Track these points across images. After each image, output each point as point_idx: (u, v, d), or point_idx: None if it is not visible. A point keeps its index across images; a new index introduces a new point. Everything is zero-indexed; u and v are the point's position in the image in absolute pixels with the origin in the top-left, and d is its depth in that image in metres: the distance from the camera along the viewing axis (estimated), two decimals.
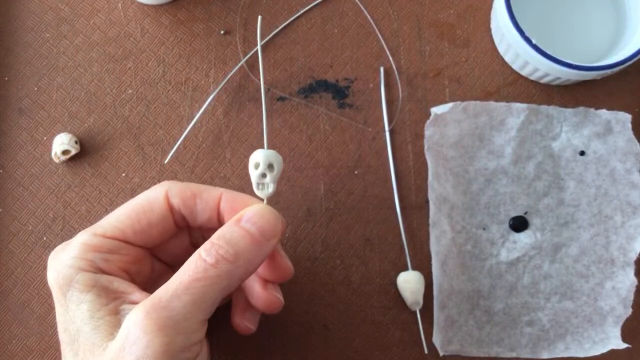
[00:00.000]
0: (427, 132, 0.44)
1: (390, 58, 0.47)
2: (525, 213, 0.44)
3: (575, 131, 0.44)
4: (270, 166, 0.34)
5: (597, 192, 0.44)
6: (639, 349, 0.43)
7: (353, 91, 0.46)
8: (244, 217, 0.33)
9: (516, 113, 0.44)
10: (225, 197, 0.35)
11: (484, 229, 0.44)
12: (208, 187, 0.35)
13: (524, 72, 0.45)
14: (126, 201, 0.35)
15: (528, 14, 0.44)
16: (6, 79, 0.46)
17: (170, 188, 0.35)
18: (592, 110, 0.44)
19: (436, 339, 0.42)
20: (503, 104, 0.45)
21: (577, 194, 0.44)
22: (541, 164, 0.44)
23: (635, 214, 0.43)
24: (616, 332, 0.42)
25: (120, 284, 0.33)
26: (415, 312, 0.43)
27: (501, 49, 0.46)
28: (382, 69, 0.46)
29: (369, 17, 0.47)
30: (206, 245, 0.32)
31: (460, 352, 0.42)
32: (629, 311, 0.42)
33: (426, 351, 0.42)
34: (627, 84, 0.46)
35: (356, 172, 0.45)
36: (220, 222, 0.35)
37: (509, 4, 0.42)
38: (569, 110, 0.45)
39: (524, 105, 0.44)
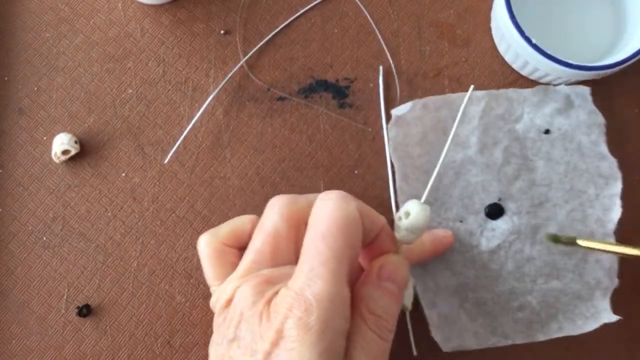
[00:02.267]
0: (391, 133, 0.44)
1: (390, 58, 0.47)
2: (499, 199, 0.44)
3: (536, 110, 0.44)
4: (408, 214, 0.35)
5: (567, 168, 0.44)
6: (631, 323, 0.42)
7: (353, 91, 0.46)
8: (385, 275, 0.34)
9: (476, 101, 0.44)
10: (385, 231, 0.35)
11: (461, 222, 0.43)
12: (374, 214, 0.35)
13: (524, 72, 0.45)
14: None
15: (528, 14, 0.44)
16: (6, 79, 0.46)
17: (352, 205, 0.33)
18: (550, 87, 0.44)
19: (437, 336, 0.41)
20: (461, 93, 0.44)
21: (547, 172, 0.44)
22: (508, 148, 0.44)
23: (607, 184, 0.43)
24: (605, 305, 0.42)
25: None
26: (404, 314, 0.42)
27: (501, 49, 0.46)
28: (381, 69, 0.46)
29: (369, 17, 0.47)
30: (378, 321, 0.32)
31: (461, 347, 0.42)
32: (616, 282, 0.42)
33: (415, 353, 0.42)
34: (627, 84, 0.46)
35: (356, 172, 0.45)
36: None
37: (509, 4, 0.42)
38: (527, 91, 0.44)
39: (483, 92, 0.44)
